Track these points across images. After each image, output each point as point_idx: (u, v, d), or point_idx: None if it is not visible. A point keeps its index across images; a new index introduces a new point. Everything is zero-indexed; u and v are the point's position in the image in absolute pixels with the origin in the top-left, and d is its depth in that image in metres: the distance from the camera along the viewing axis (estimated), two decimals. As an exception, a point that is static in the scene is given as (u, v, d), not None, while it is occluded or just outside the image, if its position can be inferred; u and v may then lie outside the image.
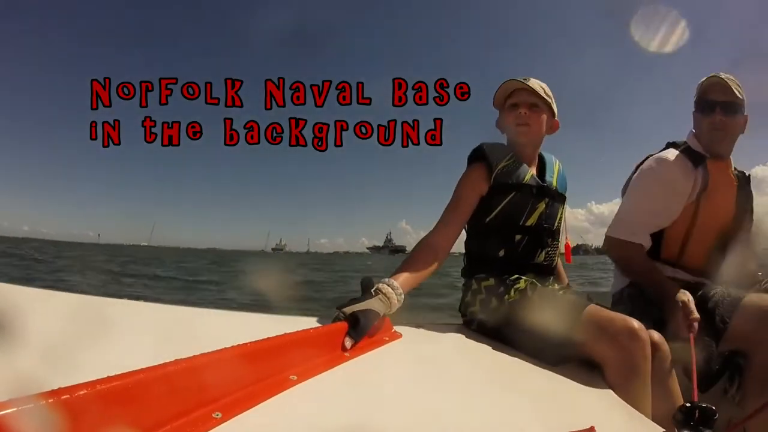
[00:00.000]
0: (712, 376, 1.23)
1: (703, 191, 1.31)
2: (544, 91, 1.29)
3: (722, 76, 1.34)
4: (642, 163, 1.44)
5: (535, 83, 1.28)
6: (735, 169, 1.41)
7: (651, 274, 1.28)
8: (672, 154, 1.36)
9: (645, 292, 1.30)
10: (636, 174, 1.42)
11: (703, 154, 1.36)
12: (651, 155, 1.43)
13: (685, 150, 1.37)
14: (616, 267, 1.45)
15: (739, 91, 1.34)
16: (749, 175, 1.44)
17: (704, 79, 1.39)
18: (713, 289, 1.24)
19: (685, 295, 1.13)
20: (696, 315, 1.08)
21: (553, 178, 1.33)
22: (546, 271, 1.28)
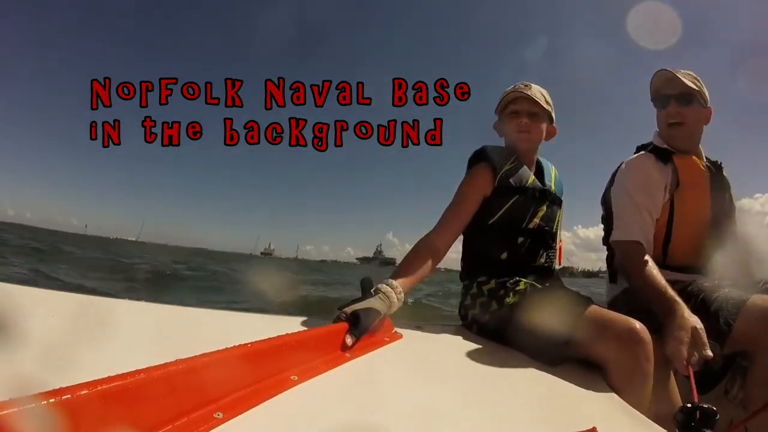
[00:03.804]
0: (713, 377, 1.22)
1: (675, 188, 1.32)
2: (545, 99, 1.32)
3: (670, 70, 1.36)
4: (617, 171, 1.44)
5: (536, 91, 1.31)
6: (706, 159, 1.41)
7: (653, 279, 1.15)
8: (642, 155, 1.39)
9: (640, 300, 1.22)
10: (614, 181, 1.41)
11: (669, 150, 1.37)
12: (624, 162, 1.43)
13: (653, 150, 1.39)
14: (617, 275, 1.41)
15: (694, 83, 1.35)
16: (721, 163, 1.43)
17: (653, 75, 1.41)
18: (716, 292, 1.21)
19: (698, 323, 1.00)
20: (708, 352, 0.94)
21: (551, 182, 1.37)
22: (546, 273, 1.29)
